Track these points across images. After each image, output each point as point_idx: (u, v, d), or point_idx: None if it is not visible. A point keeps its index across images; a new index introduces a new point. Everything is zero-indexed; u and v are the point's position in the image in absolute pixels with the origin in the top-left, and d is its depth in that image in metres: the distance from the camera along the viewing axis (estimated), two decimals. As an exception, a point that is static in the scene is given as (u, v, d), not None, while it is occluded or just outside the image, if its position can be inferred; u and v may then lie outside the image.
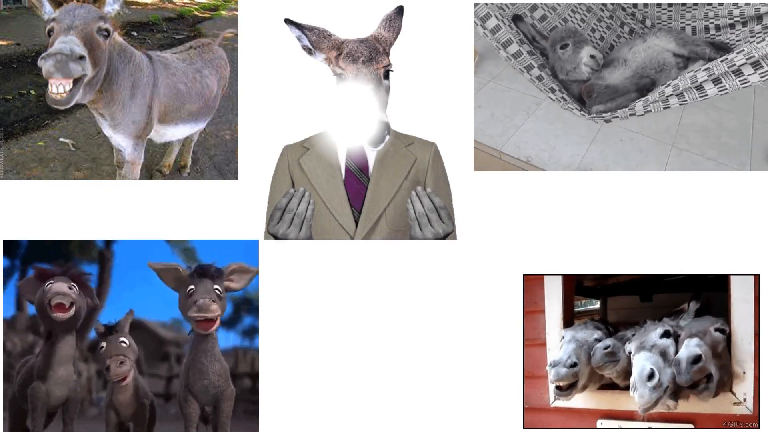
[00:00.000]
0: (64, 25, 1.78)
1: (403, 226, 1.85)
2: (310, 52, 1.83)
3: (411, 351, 1.93)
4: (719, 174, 2.07)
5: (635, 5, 2.56)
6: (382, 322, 1.93)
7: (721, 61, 2.11)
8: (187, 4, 2.89)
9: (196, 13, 2.87)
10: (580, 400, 1.87)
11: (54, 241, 2.02)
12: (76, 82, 1.78)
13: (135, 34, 2.68)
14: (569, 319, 1.92)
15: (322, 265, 1.93)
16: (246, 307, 2.06)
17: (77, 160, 2.26)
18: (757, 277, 1.78)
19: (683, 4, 2.48)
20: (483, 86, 2.40)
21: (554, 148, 2.31)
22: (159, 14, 2.81)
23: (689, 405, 1.75)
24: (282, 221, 1.69)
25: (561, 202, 2.04)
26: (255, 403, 1.96)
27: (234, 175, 2.21)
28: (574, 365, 1.80)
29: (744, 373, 1.73)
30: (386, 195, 1.86)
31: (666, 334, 1.74)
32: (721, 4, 2.38)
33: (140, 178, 2.12)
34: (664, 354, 1.72)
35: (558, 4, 2.47)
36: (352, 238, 1.84)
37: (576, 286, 1.96)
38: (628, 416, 1.82)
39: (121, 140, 2.05)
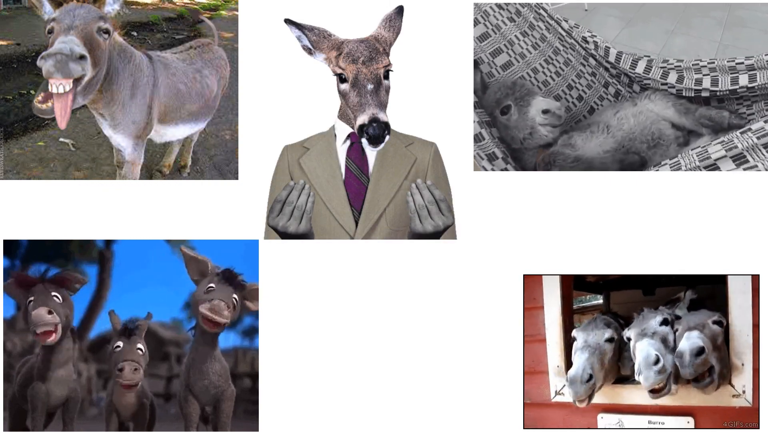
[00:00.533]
0: (64, 25, 1.78)
1: (403, 226, 1.85)
2: (310, 52, 1.83)
3: (410, 351, 1.93)
4: (719, 174, 2.07)
5: (615, 64, 2.05)
6: (381, 322, 1.93)
7: (742, 133, 1.60)
8: (187, 4, 2.89)
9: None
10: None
11: (54, 241, 2.02)
12: (76, 82, 1.78)
13: (135, 34, 2.68)
14: (568, 315, 1.92)
15: (322, 265, 1.93)
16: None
17: (77, 160, 2.26)
18: (756, 277, 1.79)
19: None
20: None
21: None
22: (159, 14, 2.81)
23: (689, 397, 1.76)
24: (282, 214, 1.69)
25: (561, 202, 2.03)
26: (255, 403, 1.96)
27: (234, 175, 2.21)
28: (590, 379, 1.78)
29: (743, 365, 1.73)
30: (386, 195, 1.86)
31: (665, 322, 1.76)
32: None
33: (140, 178, 2.12)
34: (664, 341, 1.74)
35: (528, 50, 1.99)
36: (352, 238, 1.84)
37: (579, 281, 1.95)
38: (629, 410, 1.82)
39: (121, 140, 2.05)
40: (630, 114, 2.01)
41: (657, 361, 1.70)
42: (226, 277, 1.82)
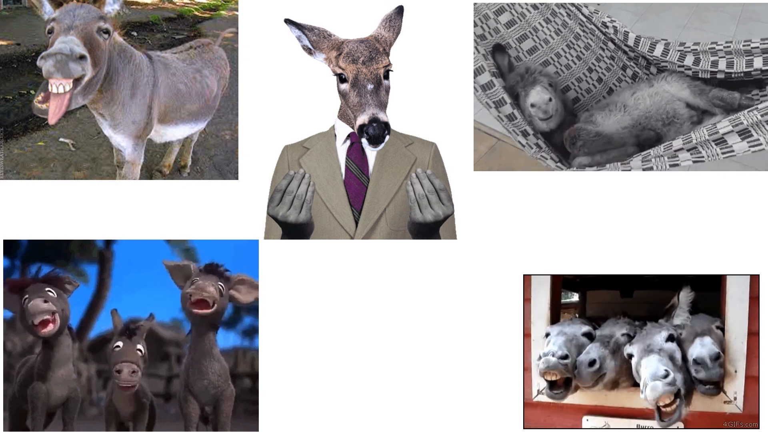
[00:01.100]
0: (64, 25, 1.78)
1: (403, 226, 1.85)
2: (310, 52, 1.83)
3: (410, 351, 1.93)
4: (719, 174, 2.07)
5: (634, 48, 2.17)
6: (382, 322, 1.93)
7: (749, 111, 1.72)
8: (187, 4, 2.89)
9: (196, 13, 2.87)
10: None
11: (54, 241, 2.02)
12: (75, 82, 1.78)
13: (135, 34, 2.68)
14: (556, 312, 1.91)
15: (322, 265, 1.93)
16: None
17: (77, 160, 2.26)
18: (756, 277, 1.79)
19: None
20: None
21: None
22: (159, 14, 2.81)
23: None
24: (282, 203, 1.68)
25: (561, 202, 2.04)
26: (255, 403, 1.96)
27: (234, 175, 2.21)
28: (565, 357, 1.74)
29: (735, 372, 1.73)
30: (386, 195, 1.86)
31: (671, 338, 1.71)
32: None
33: (140, 178, 2.12)
34: (672, 358, 1.69)
35: (552, 36, 2.13)
36: (352, 238, 1.84)
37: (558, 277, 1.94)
38: (614, 413, 1.80)
39: (121, 140, 2.05)
40: (647, 95, 2.10)
41: (666, 376, 1.65)
42: (208, 270, 1.82)
